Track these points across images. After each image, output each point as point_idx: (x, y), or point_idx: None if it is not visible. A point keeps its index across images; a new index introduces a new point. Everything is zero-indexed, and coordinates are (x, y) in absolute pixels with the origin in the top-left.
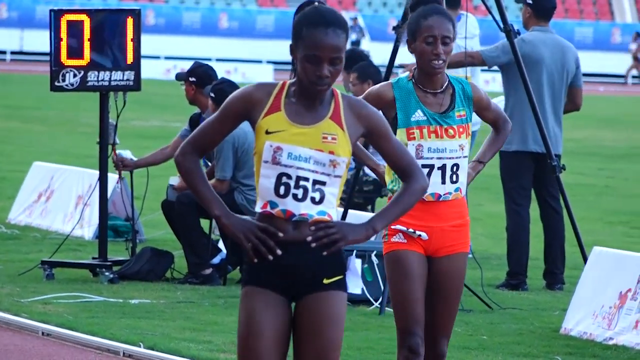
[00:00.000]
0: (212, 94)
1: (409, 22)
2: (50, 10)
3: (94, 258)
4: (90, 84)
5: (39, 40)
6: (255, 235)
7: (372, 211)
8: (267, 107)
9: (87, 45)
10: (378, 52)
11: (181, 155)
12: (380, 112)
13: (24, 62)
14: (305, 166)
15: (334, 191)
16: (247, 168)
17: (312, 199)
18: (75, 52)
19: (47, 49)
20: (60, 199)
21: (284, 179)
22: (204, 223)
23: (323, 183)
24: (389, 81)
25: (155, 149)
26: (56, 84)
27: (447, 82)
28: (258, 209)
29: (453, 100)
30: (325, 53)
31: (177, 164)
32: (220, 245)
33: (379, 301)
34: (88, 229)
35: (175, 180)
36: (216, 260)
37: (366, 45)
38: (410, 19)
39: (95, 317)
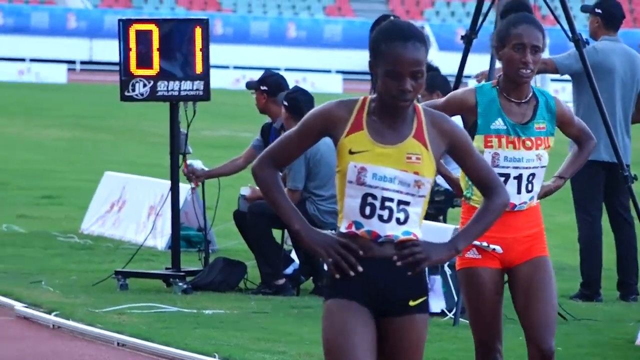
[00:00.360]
0: (286, 103)
1: (498, 29)
2: (119, 20)
3: (167, 268)
4: (160, 93)
5: (108, 50)
6: (337, 251)
7: (444, 222)
8: (349, 126)
9: (156, 54)
10: (446, 62)
11: (259, 169)
12: (462, 127)
13: (93, 72)
14: (390, 187)
15: (418, 211)
16: (319, 179)
17: (397, 220)
18: (144, 61)
19: (116, 58)
20: (133, 209)
21: (370, 200)
22: (276, 233)
23: (407, 203)
24: (473, 86)
25: (225, 159)
26: (126, 93)
27: (531, 93)
28: (343, 229)
29: (535, 112)
30: (406, 67)
31: (255, 177)
32: (293, 255)
33: (452, 312)
34: (161, 239)
35: (246, 190)
36: (289, 270)
37: (434, 55)
38: (500, 26)
39: (169, 328)
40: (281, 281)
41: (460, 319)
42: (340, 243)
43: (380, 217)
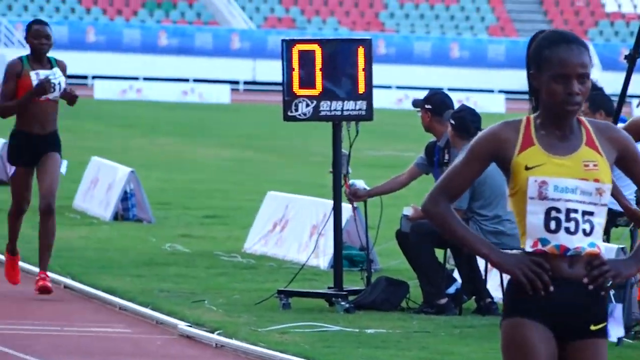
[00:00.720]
0: (453, 121)
1: None
2: (282, 41)
3: (329, 287)
4: (322, 113)
5: (271, 70)
6: (531, 269)
7: (607, 241)
8: (519, 144)
9: (318, 74)
10: (610, 82)
11: (431, 203)
12: (629, 134)
13: (256, 92)
14: (573, 197)
15: (600, 221)
16: (483, 198)
17: (584, 231)
18: (307, 81)
19: (279, 78)
20: (295, 229)
21: (554, 214)
22: (438, 252)
23: (591, 213)
24: None
25: (387, 179)
26: (289, 113)
27: None
28: (528, 248)
29: None
30: (572, 70)
31: (427, 212)
32: (455, 274)
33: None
34: (323, 259)
35: (408, 210)
36: (451, 289)
37: (597, 74)
38: None
39: (331, 347)
40: (443, 300)
41: (625, 339)
42: (533, 262)
43: (567, 230)
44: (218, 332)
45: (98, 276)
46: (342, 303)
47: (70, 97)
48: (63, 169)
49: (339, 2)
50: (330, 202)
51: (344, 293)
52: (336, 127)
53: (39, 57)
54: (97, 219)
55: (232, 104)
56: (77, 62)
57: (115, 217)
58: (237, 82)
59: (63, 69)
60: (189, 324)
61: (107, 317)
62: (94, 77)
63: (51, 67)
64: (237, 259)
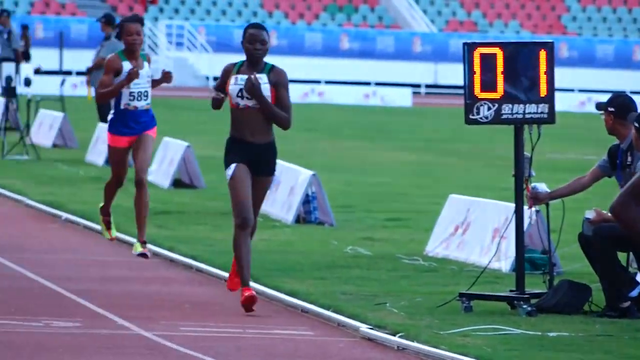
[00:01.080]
0: (636, 124)
1: None
2: (464, 44)
3: (511, 291)
4: (504, 116)
5: (452, 74)
6: None
7: None
8: None
9: (500, 78)
10: None
11: (619, 206)
12: None
13: (438, 95)
14: None
15: None
16: None
17: None
18: (488, 85)
19: (460, 82)
20: (477, 232)
21: None
22: (621, 256)
23: None
24: None
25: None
26: (470, 117)
27: None
28: None
29: None
30: None
31: (617, 215)
32: (638, 277)
33: None
34: (505, 262)
35: (591, 214)
36: (634, 293)
37: None
38: None
39: (513, 350)
40: (626, 304)
41: None
42: None
43: None
44: (400, 334)
45: (280, 279)
46: (524, 306)
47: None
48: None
49: (521, 5)
50: (512, 205)
51: (526, 296)
52: (518, 130)
53: (252, 62)
54: (279, 222)
55: (413, 107)
56: None
57: (297, 220)
58: (418, 86)
59: None
60: (370, 327)
61: (289, 319)
62: None
63: (261, 72)
64: (419, 262)
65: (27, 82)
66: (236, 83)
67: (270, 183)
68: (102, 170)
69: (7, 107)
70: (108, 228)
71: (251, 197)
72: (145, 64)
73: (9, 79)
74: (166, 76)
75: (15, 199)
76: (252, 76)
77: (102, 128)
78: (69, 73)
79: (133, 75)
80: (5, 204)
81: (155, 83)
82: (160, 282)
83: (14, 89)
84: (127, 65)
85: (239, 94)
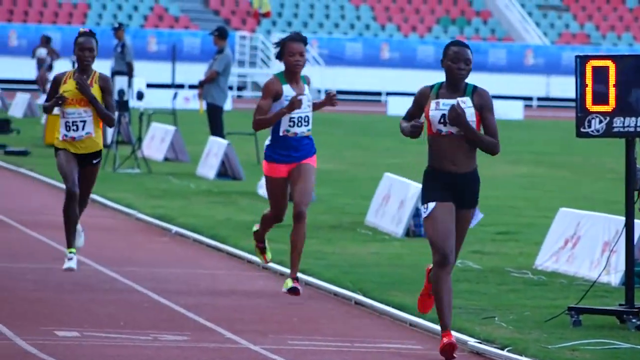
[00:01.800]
0: None
1: None
2: (576, 57)
3: (620, 305)
4: (616, 129)
5: (564, 87)
6: None
7: None
8: None
9: (612, 91)
10: None
11: None
12: None
13: (549, 108)
14: None
15: None
16: None
17: None
18: (600, 98)
19: (572, 94)
20: (587, 245)
21: None
22: None
23: None
24: None
25: None
26: (582, 130)
27: None
28: None
29: None
30: None
31: None
32: None
33: None
34: (615, 276)
35: None
36: None
37: None
38: None
39: None
40: None
41: None
42: None
43: None
44: (508, 348)
45: (389, 292)
46: (634, 320)
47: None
48: (475, 220)
49: (634, 18)
50: (623, 219)
51: (636, 310)
52: (629, 143)
53: (454, 83)
54: (388, 235)
55: (525, 120)
56: (371, 78)
57: (407, 233)
58: (530, 99)
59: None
60: (479, 341)
61: (397, 333)
62: (387, 94)
63: (463, 94)
64: (528, 276)
65: (140, 96)
66: (438, 108)
67: (473, 214)
68: (212, 183)
69: (119, 121)
70: (262, 253)
71: (454, 233)
72: (306, 87)
73: (121, 93)
74: (331, 99)
75: (125, 212)
76: (457, 103)
77: (214, 142)
78: (181, 86)
79: (296, 104)
80: (115, 217)
81: (316, 106)
82: (269, 295)
83: (126, 102)
84: (287, 90)
85: (442, 120)
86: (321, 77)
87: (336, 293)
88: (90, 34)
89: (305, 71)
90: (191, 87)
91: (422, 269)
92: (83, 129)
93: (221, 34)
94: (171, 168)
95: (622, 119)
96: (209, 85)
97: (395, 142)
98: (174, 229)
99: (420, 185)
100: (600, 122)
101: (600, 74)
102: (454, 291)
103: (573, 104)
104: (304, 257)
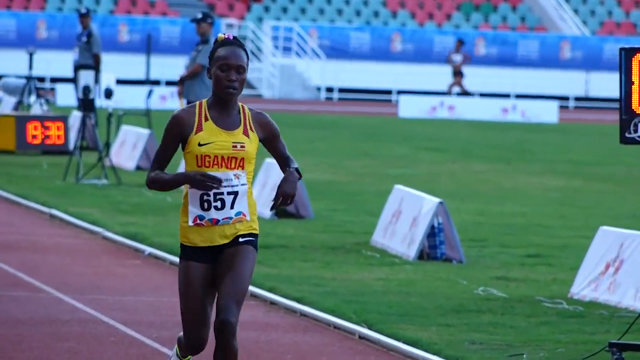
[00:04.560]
0: None
1: None
2: (621, 49)
3: None
4: None
5: (606, 84)
6: None
7: None
8: None
9: None
10: None
11: None
12: None
13: (589, 109)
14: None
15: None
16: None
17: None
18: None
19: (616, 94)
20: (632, 270)
21: None
22: None
23: None
24: None
25: None
26: (627, 135)
27: None
28: None
29: None
30: None
31: None
32: None
33: None
34: None
35: None
36: None
37: None
38: None
39: None
40: None
41: None
42: None
43: None
44: None
45: (398, 325)
46: None
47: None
48: None
49: None
50: None
51: None
52: None
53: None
54: (399, 258)
55: (560, 123)
56: (380, 74)
57: (420, 255)
58: (566, 98)
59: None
60: None
61: None
62: (399, 92)
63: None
64: (563, 306)
65: (108, 94)
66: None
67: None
68: None
69: (84, 123)
70: None
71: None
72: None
73: (86, 90)
74: (284, 200)
75: (90, 231)
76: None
77: None
78: (157, 83)
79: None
80: (79, 236)
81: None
82: (258, 328)
83: (92, 101)
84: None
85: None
86: (322, 72)
87: (337, 325)
88: None
89: (303, 65)
90: (169, 83)
91: (436, 298)
92: None
93: (206, 21)
94: (144, 179)
95: None
96: (191, 81)
97: (409, 148)
98: (148, 250)
99: (436, 200)
100: None
101: None
102: (475, 324)
103: (617, 104)
104: (299, 282)
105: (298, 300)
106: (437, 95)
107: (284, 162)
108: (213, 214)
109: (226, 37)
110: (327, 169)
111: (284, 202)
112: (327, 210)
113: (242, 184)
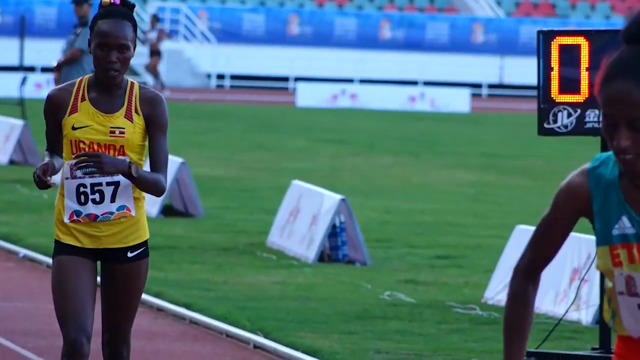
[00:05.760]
0: None
1: None
2: (539, 32)
3: (593, 349)
4: (589, 125)
5: (522, 71)
6: None
7: None
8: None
9: (584, 76)
10: None
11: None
12: None
13: (503, 97)
14: None
15: None
16: None
17: None
18: (569, 85)
19: (533, 81)
20: (551, 274)
21: None
22: None
23: None
24: None
25: None
26: (546, 125)
27: None
28: None
29: None
30: None
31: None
32: None
33: None
34: (586, 312)
35: None
36: None
37: None
38: None
39: None
40: None
41: None
42: None
43: None
44: None
45: (297, 333)
46: None
47: None
48: None
49: None
50: (594, 239)
51: (611, 355)
52: (606, 143)
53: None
54: (297, 260)
55: (472, 113)
56: (276, 60)
57: (321, 257)
58: (479, 86)
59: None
60: None
61: None
62: (296, 79)
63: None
64: (476, 312)
65: None
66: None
67: None
68: None
69: None
70: None
71: None
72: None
73: None
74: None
75: None
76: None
77: None
78: (31, 69)
79: (93, 162)
80: None
81: None
82: (144, 337)
83: None
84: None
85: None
86: (212, 58)
87: (229, 334)
88: None
89: (191, 50)
90: (45, 70)
91: (338, 303)
92: None
93: (87, 2)
94: (18, 174)
95: (596, 112)
96: (68, 67)
97: (308, 140)
98: (22, 251)
99: (337, 196)
100: (569, 115)
101: (569, 55)
102: (380, 331)
103: (534, 92)
104: (188, 287)
105: (187, 307)
106: (338, 82)
107: (152, 168)
108: (91, 208)
109: (112, 1)
110: (219, 164)
111: (87, 163)
112: (218, 209)
113: None
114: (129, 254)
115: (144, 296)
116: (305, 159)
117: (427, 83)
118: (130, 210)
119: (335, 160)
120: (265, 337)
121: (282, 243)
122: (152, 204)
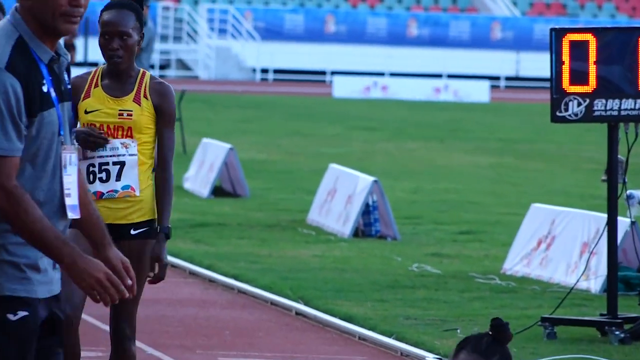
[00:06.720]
0: None
1: None
2: (551, 30)
3: (601, 314)
4: (596, 113)
5: (537, 64)
6: None
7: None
8: None
9: (592, 69)
10: None
11: None
12: None
13: (519, 89)
14: None
15: None
16: None
17: None
18: (579, 77)
19: (546, 73)
20: (563, 247)
21: None
22: None
23: None
24: None
25: None
26: (558, 114)
27: None
28: None
29: None
30: None
31: None
32: None
33: None
34: (595, 281)
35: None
36: None
37: None
38: None
39: None
40: None
41: None
42: None
43: None
44: None
45: (334, 301)
46: (617, 332)
47: None
48: None
49: None
50: (604, 216)
51: (619, 321)
52: (612, 129)
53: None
54: (334, 236)
55: (491, 102)
56: (314, 55)
57: (355, 233)
58: (497, 78)
59: None
60: (438, 357)
61: (344, 347)
62: (333, 73)
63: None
64: (495, 282)
65: None
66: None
67: None
68: None
69: None
70: None
71: None
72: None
73: None
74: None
75: None
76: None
77: None
78: (94, 65)
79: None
80: None
81: None
82: (196, 305)
83: None
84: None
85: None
86: (257, 54)
87: (273, 302)
88: None
89: (238, 47)
90: None
91: (371, 274)
92: None
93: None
94: None
95: (603, 101)
96: None
97: (342, 128)
98: None
99: (370, 178)
100: (579, 104)
101: (578, 50)
102: (409, 299)
103: (547, 84)
104: (236, 260)
105: (235, 278)
106: (370, 75)
107: (159, 163)
108: (98, 186)
109: None
110: (263, 149)
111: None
112: (263, 189)
113: (131, 155)
114: (132, 231)
115: (197, 268)
116: (340, 145)
117: (451, 76)
118: (134, 190)
119: (368, 145)
120: (306, 304)
121: (320, 220)
122: (203, 186)
